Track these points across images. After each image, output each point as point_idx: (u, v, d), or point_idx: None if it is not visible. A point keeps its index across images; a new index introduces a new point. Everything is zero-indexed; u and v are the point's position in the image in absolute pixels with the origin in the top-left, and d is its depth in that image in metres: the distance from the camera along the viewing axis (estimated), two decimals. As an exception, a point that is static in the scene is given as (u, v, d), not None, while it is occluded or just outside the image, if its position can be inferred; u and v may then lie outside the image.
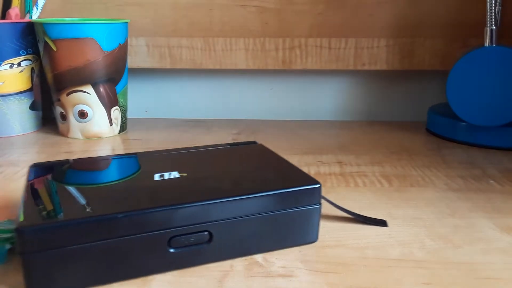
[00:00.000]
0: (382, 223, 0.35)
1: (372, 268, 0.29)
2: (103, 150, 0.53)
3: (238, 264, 0.30)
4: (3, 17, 0.60)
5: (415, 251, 0.31)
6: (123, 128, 0.61)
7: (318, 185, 0.31)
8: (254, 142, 0.41)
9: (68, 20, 0.60)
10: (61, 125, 0.59)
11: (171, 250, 0.28)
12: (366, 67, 0.65)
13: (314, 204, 0.31)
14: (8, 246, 0.30)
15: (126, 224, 0.27)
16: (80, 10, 0.65)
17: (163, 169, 0.33)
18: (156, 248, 0.28)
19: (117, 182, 0.32)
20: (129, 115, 0.71)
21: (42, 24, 0.54)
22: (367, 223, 0.35)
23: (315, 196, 0.31)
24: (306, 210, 0.31)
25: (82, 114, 0.57)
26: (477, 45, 0.55)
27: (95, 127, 0.58)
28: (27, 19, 0.60)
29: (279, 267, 0.29)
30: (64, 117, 0.58)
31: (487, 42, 0.54)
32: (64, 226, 0.25)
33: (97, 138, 0.58)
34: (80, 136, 0.58)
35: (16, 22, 0.57)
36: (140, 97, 0.71)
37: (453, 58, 0.64)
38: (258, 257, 0.31)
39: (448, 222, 0.36)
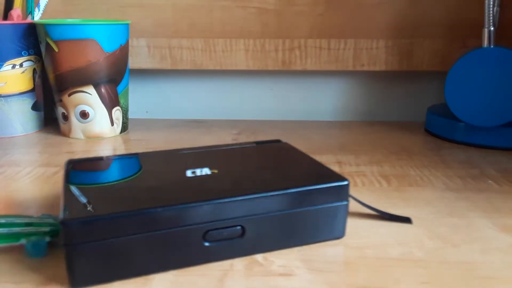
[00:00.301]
0: (407, 220, 0.36)
1: (371, 268, 0.30)
2: (105, 150, 0.54)
3: (238, 263, 0.30)
4: (5, 18, 0.60)
5: (414, 250, 0.32)
6: (124, 128, 0.61)
7: (346, 182, 0.32)
8: (279, 141, 0.42)
9: (69, 21, 0.61)
10: (62, 125, 0.59)
11: (206, 244, 0.29)
12: (365, 68, 0.66)
13: (342, 201, 0.32)
14: (48, 239, 0.31)
15: (164, 218, 0.28)
16: (81, 11, 0.65)
17: (194, 166, 0.34)
18: (192, 242, 0.29)
19: (152, 177, 0.33)
20: (130, 115, 0.72)
21: (44, 25, 0.54)
22: (392, 220, 0.36)
23: (344, 193, 0.32)
24: (335, 206, 0.32)
25: (84, 115, 0.57)
26: (476, 46, 0.56)
27: (97, 127, 0.58)
28: (29, 20, 0.60)
29: (279, 266, 0.30)
30: (65, 117, 0.58)
31: (485, 43, 0.54)
32: (106, 219, 0.27)
33: (98, 138, 0.58)
34: (82, 136, 0.58)
35: (18, 23, 0.57)
36: (141, 98, 0.72)
37: (452, 59, 0.64)
38: (258, 256, 0.31)
39: (447, 221, 0.36)
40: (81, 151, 0.53)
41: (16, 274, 0.29)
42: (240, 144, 0.41)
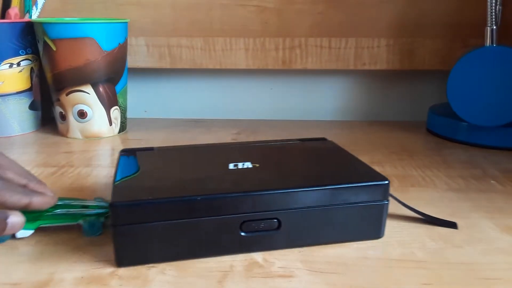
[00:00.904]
0: (452, 225, 0.34)
1: (372, 268, 0.29)
2: (103, 150, 0.53)
3: (238, 264, 0.30)
4: (3, 17, 0.60)
5: (416, 251, 0.31)
6: (122, 128, 0.61)
7: (386, 182, 0.32)
8: (324, 139, 0.42)
9: (67, 19, 0.60)
10: (60, 125, 0.59)
11: (242, 234, 0.30)
12: (367, 67, 0.65)
13: (382, 200, 0.32)
14: (102, 219, 0.34)
15: (203, 206, 0.29)
16: (79, 10, 0.65)
17: (237, 160, 0.36)
18: (229, 231, 0.30)
19: (196, 168, 0.35)
20: (129, 115, 0.71)
21: (41, 23, 0.54)
22: (436, 225, 0.35)
23: (383, 192, 0.32)
24: (373, 205, 0.32)
25: (82, 114, 0.57)
26: (478, 45, 0.55)
27: (95, 127, 0.58)
28: (26, 18, 0.60)
29: (279, 267, 0.29)
30: (63, 117, 0.58)
31: (488, 42, 0.54)
32: (150, 204, 0.29)
33: (96, 138, 0.58)
34: (80, 136, 0.58)
35: (16, 22, 0.56)
36: (140, 97, 0.71)
37: (453, 58, 0.64)
38: (258, 257, 0.31)
39: (448, 222, 0.35)
40: (79, 151, 0.53)
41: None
42: (285, 140, 0.42)
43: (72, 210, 0.34)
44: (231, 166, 0.34)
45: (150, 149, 0.39)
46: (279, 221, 0.31)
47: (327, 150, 0.39)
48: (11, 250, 0.31)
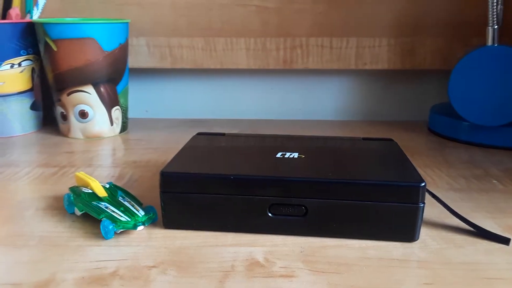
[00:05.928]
0: (505, 241, 0.33)
1: (373, 268, 0.29)
2: (104, 150, 0.53)
3: (239, 264, 0.30)
4: (4, 17, 0.60)
5: (417, 251, 0.31)
6: (123, 128, 0.61)
7: (422, 184, 0.31)
8: (390, 139, 0.42)
9: (68, 20, 0.60)
10: (61, 125, 0.59)
11: (270, 215, 0.33)
12: (368, 67, 0.65)
13: (415, 203, 0.31)
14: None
15: (235, 185, 0.32)
16: (80, 10, 0.65)
17: (288, 149, 0.38)
18: (258, 211, 0.33)
19: (247, 153, 0.38)
20: (130, 115, 0.71)
21: (42, 24, 0.54)
22: (488, 239, 0.33)
23: (416, 194, 0.31)
24: (406, 207, 0.31)
25: (83, 114, 0.57)
26: (479, 45, 0.55)
27: (96, 127, 0.58)
28: (27, 19, 0.60)
29: (280, 267, 0.29)
30: (64, 117, 0.58)
31: (489, 41, 0.54)
32: (190, 176, 0.33)
33: (98, 138, 0.58)
34: (81, 136, 0.58)
35: (17, 22, 0.56)
36: (141, 97, 0.71)
37: (454, 58, 0.64)
38: (259, 257, 0.30)
39: (450, 222, 0.35)
40: (80, 151, 0.53)
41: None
42: (347, 137, 0.43)
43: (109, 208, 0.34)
44: (278, 154, 0.36)
45: (222, 134, 0.43)
46: (306, 209, 0.32)
47: (382, 151, 0.39)
48: (11, 250, 0.31)
